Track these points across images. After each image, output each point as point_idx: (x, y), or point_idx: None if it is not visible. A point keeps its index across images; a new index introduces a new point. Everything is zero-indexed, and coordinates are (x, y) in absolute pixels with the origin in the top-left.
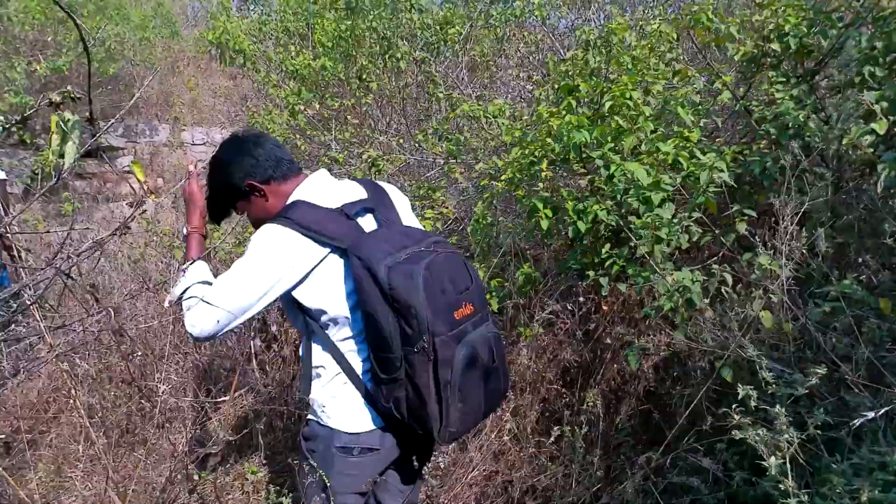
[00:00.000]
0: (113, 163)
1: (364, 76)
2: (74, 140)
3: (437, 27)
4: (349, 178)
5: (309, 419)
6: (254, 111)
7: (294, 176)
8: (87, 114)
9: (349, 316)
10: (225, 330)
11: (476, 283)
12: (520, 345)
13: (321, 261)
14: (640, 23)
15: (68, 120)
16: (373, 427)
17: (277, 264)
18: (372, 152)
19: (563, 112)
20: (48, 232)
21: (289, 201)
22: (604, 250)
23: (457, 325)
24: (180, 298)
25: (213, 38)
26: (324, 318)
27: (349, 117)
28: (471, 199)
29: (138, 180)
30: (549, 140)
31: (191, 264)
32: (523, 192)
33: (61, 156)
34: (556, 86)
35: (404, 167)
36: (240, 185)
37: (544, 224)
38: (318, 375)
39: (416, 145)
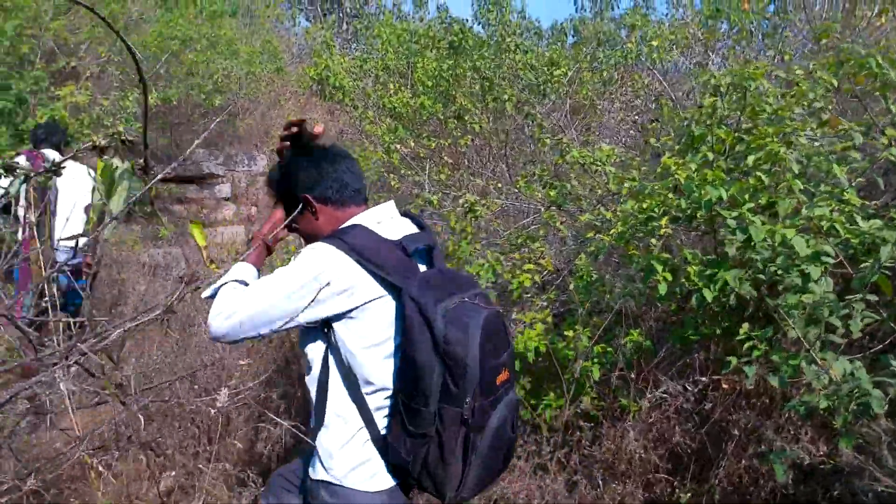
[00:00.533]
0: (212, 189)
1: (463, 116)
2: (122, 191)
3: (543, 68)
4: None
5: (318, 480)
6: (349, 146)
7: (356, 205)
8: (143, 161)
9: (386, 360)
10: (241, 337)
11: (511, 346)
12: (625, 423)
13: (373, 299)
14: (774, 70)
15: (115, 167)
16: (392, 484)
17: (317, 287)
18: (469, 196)
19: (693, 164)
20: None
21: (345, 225)
22: (742, 330)
23: (496, 391)
24: (214, 294)
25: (314, 75)
26: (357, 359)
27: (445, 157)
28: (571, 250)
29: (198, 247)
30: (671, 196)
31: (237, 263)
32: (635, 249)
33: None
34: (677, 133)
35: (500, 212)
36: (297, 197)
37: (662, 289)
38: (330, 422)
39: (514, 190)
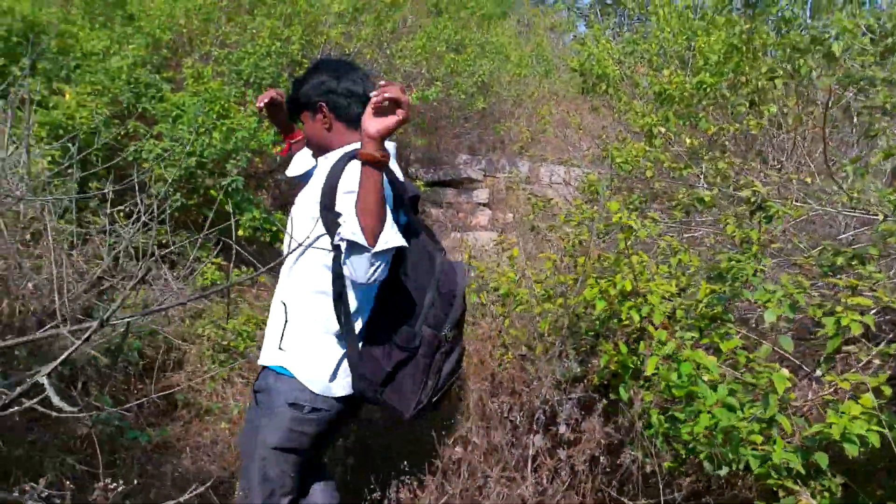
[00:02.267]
0: (469, 194)
1: (758, 102)
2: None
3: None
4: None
5: (271, 367)
6: (606, 143)
7: (358, 130)
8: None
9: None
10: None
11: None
12: None
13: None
14: None
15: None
16: (343, 394)
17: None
18: (758, 186)
19: None
20: None
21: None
22: None
23: (461, 332)
24: None
25: (576, 65)
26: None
27: (727, 144)
28: None
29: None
30: None
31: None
32: None
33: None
34: None
35: (803, 221)
36: (313, 100)
37: None
38: (314, 325)
39: (832, 190)
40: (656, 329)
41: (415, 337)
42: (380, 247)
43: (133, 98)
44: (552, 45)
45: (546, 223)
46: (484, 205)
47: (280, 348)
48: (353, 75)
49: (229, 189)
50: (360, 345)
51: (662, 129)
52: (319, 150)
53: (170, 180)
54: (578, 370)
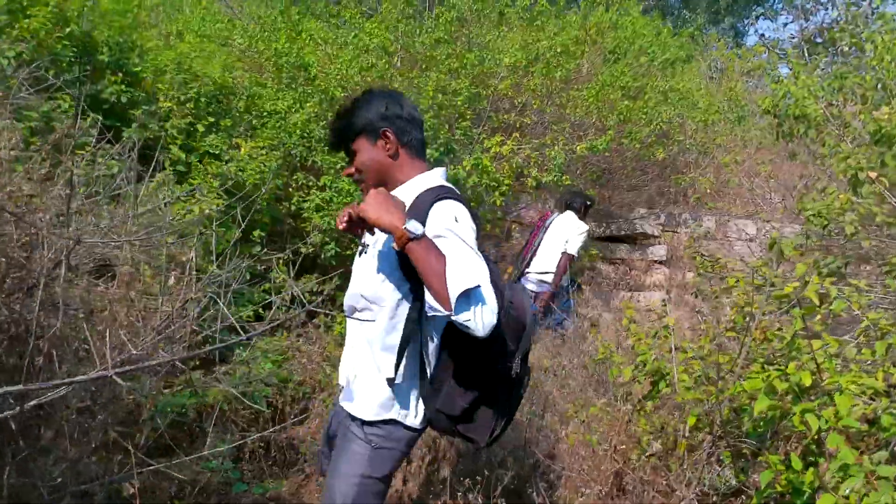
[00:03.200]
0: (644, 251)
1: None
2: None
3: None
4: None
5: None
6: (803, 193)
7: (421, 160)
8: None
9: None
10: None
11: None
12: None
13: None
14: None
15: None
16: (419, 428)
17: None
18: None
19: None
20: None
21: (422, 183)
22: None
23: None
24: None
25: (768, 105)
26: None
27: None
28: None
29: None
30: None
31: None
32: None
33: None
34: None
35: None
36: (376, 125)
37: None
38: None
39: None
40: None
41: (490, 373)
42: (455, 294)
43: (304, 151)
44: (749, 92)
45: (720, 287)
46: (660, 262)
47: (351, 388)
48: (410, 103)
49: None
50: (433, 379)
51: (872, 175)
52: (380, 180)
53: (324, 228)
54: (734, 482)
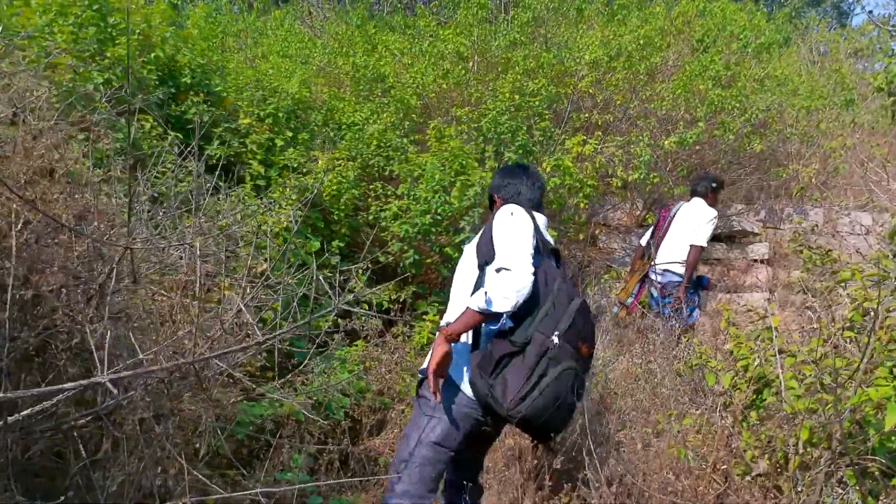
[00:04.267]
0: (743, 250)
1: None
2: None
3: None
4: None
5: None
6: None
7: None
8: None
9: None
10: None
11: (594, 338)
12: None
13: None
14: None
15: None
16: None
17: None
18: None
19: None
20: None
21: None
22: None
23: (576, 349)
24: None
25: (881, 83)
26: None
27: None
28: None
29: None
30: None
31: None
32: None
33: None
34: None
35: None
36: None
37: None
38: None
39: None
40: None
41: (525, 337)
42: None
43: (382, 161)
44: (857, 74)
45: (832, 283)
46: (761, 261)
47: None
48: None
49: (462, 246)
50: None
51: None
52: None
53: (402, 236)
54: None
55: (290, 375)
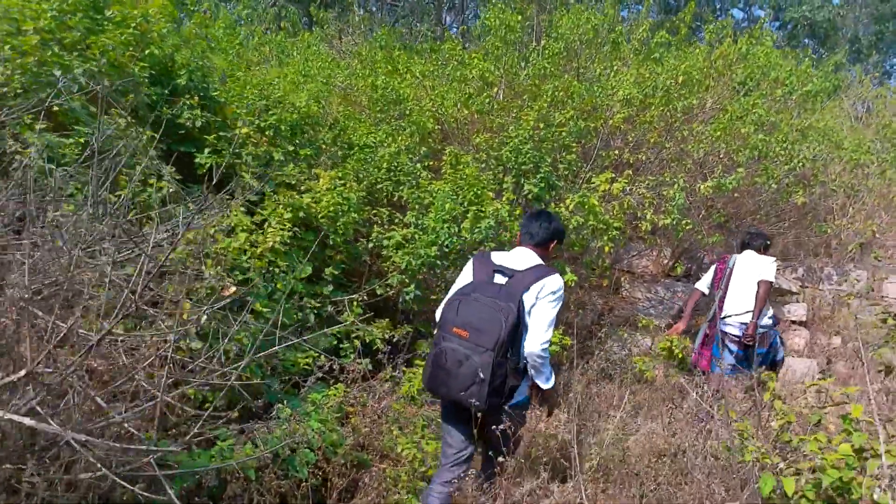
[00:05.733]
0: (779, 310)
1: None
2: None
3: None
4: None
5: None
6: None
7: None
8: None
9: None
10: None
11: (485, 325)
12: None
13: None
14: None
15: None
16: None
17: None
18: None
19: None
20: None
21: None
22: None
23: (447, 334)
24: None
25: None
26: None
27: None
28: None
29: None
30: None
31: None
32: None
33: None
34: None
35: None
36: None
37: None
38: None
39: None
40: None
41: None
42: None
43: (391, 185)
44: None
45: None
46: (800, 323)
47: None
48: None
49: None
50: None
51: None
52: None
53: (404, 267)
54: None
55: (251, 422)
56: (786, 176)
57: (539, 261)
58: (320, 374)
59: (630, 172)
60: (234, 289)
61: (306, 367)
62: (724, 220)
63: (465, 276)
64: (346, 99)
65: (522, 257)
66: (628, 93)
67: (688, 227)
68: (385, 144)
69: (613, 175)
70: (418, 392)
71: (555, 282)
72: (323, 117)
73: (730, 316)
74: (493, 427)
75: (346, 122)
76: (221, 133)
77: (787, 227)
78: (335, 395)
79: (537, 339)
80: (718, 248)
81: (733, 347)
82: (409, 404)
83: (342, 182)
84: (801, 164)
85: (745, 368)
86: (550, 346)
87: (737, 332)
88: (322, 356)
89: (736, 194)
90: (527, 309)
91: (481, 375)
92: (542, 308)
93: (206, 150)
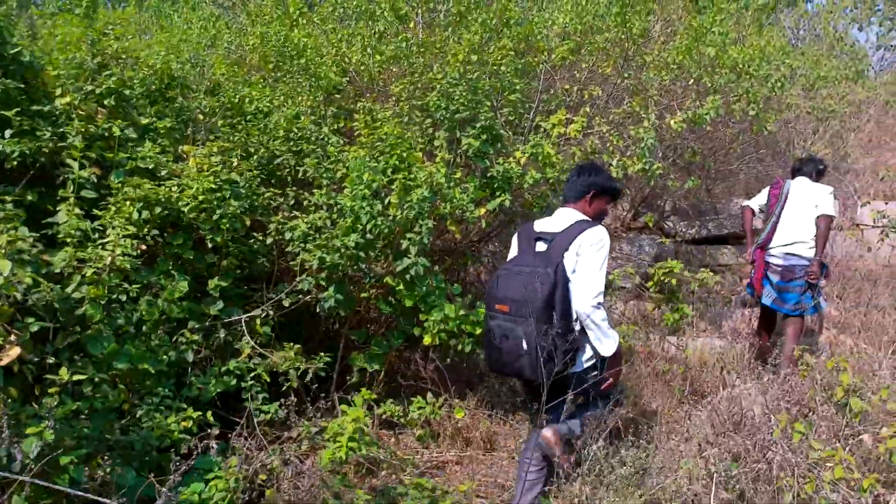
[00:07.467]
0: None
1: None
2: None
3: None
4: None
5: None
6: None
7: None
8: None
9: None
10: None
11: (523, 295)
12: None
13: None
14: None
15: None
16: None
17: None
18: None
19: None
20: None
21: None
22: None
23: (492, 311)
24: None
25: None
26: None
27: None
28: None
29: None
30: None
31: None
32: None
33: None
34: None
35: None
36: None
37: None
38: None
39: None
40: None
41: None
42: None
43: (292, 158)
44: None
45: None
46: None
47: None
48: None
49: (407, 277)
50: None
51: None
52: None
53: (317, 266)
54: None
55: None
56: (765, 99)
57: (580, 217)
58: (209, 445)
59: (587, 109)
60: (16, 350)
61: (185, 434)
62: (699, 159)
63: (512, 250)
64: (236, 63)
65: (562, 218)
66: (568, 19)
67: (659, 172)
68: (284, 108)
69: (567, 113)
70: (353, 442)
71: (594, 233)
72: (199, 82)
73: (776, 247)
74: (563, 398)
75: (231, 86)
76: (35, 107)
77: (746, 162)
78: (228, 475)
79: (586, 295)
80: (684, 193)
81: (774, 279)
82: (338, 472)
83: (224, 160)
84: (779, 83)
85: (785, 301)
86: (603, 302)
87: (781, 261)
88: (209, 412)
89: (709, 127)
90: (571, 268)
91: (525, 347)
92: (585, 262)
93: (8, 133)
